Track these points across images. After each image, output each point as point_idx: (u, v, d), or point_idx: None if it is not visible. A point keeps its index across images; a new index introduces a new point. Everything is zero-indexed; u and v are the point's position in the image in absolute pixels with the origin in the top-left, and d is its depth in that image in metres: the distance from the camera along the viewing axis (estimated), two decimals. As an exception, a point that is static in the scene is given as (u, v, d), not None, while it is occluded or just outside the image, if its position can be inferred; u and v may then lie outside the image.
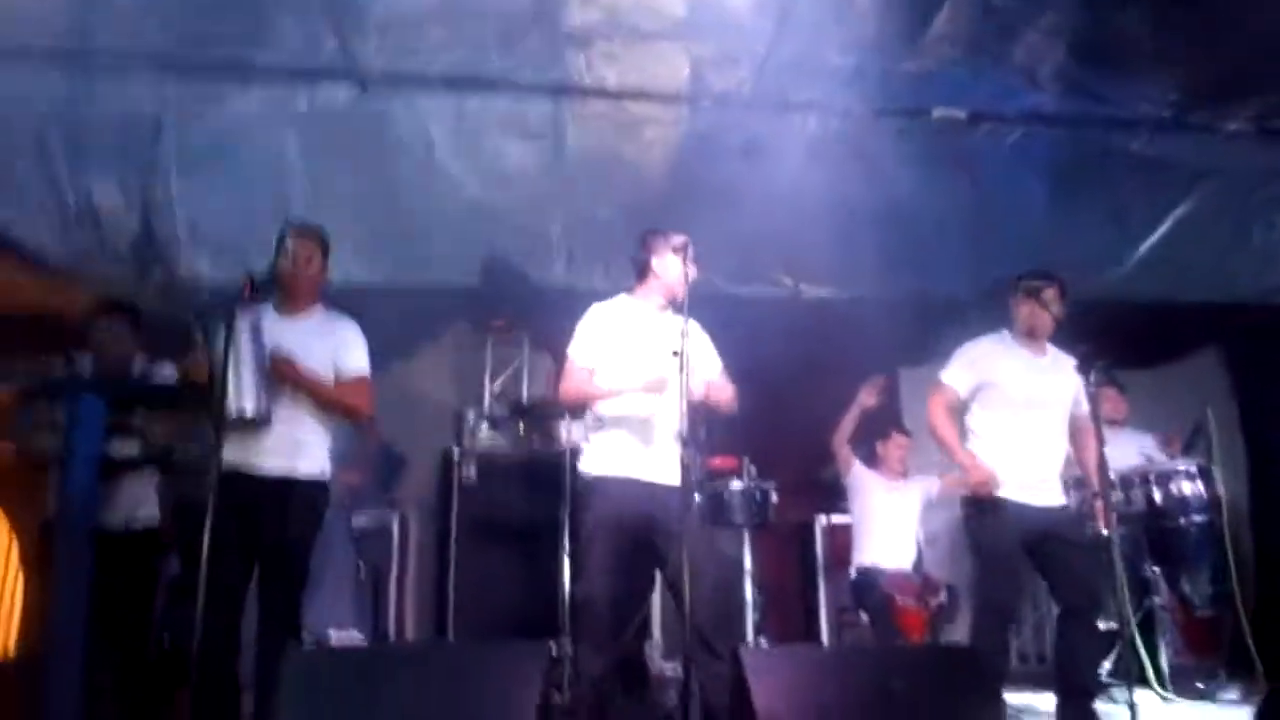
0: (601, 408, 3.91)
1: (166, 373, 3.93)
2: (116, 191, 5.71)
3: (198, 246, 6.07)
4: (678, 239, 3.98)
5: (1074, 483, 4.64)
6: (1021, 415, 4.23)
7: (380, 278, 6.19)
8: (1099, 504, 4.19)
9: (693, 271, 3.89)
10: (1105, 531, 4.01)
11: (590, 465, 3.89)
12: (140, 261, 5.83)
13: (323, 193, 6.03)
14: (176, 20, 5.26)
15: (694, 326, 3.96)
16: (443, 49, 5.64)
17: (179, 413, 3.45)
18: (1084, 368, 4.00)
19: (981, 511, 4.18)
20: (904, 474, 5.91)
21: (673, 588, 3.73)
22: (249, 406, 3.15)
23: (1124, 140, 6.17)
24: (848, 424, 5.81)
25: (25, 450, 3.47)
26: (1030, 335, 4.36)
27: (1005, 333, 4.44)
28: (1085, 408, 4.19)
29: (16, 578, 4.77)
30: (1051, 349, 4.41)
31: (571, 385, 3.93)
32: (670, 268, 3.93)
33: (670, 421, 3.78)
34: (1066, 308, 4.34)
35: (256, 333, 3.31)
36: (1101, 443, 3.92)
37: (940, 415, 4.32)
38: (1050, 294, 4.32)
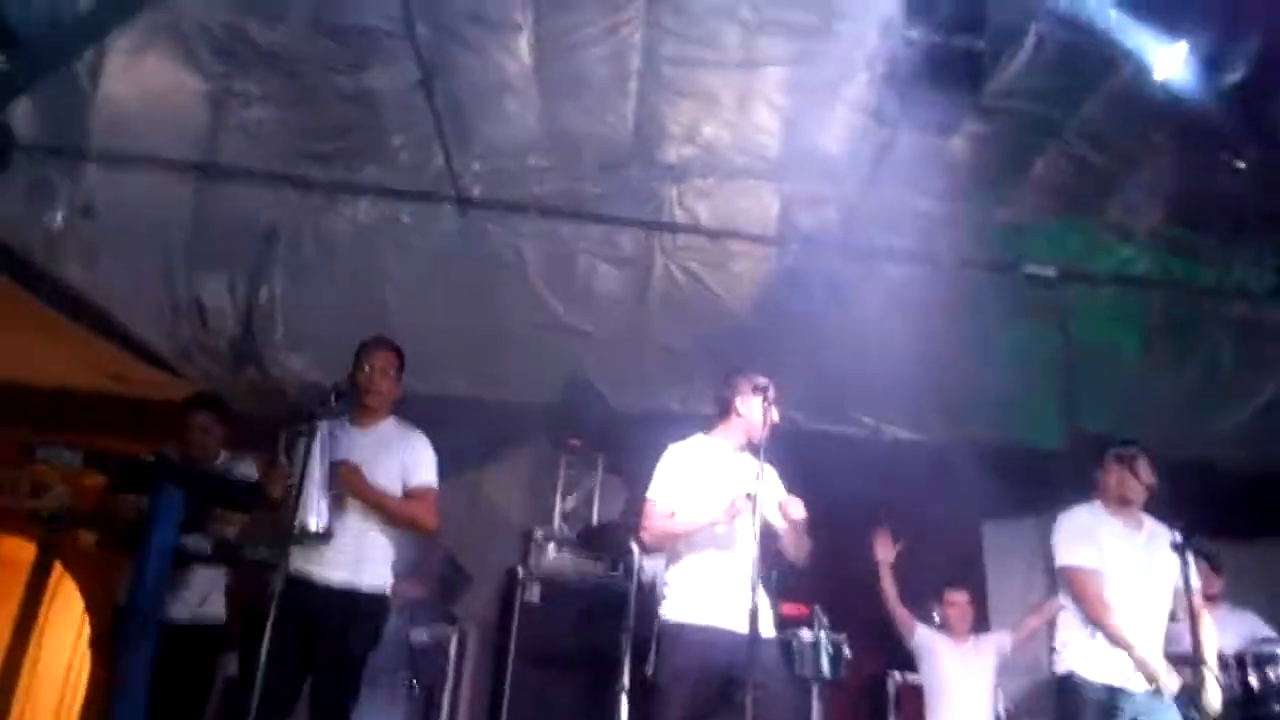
0: (684, 550, 3.81)
1: (247, 470, 4.03)
2: (224, 292, 6.01)
3: (294, 350, 6.30)
4: (761, 380, 3.94)
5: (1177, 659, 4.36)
6: (1122, 592, 4.01)
7: (463, 390, 6.31)
8: (1205, 674, 3.93)
9: (774, 414, 3.86)
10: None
11: (671, 611, 3.77)
12: (238, 360, 6.06)
13: (418, 305, 6.24)
14: (297, 137, 5.62)
15: (769, 471, 3.92)
16: (543, 176, 5.89)
17: (254, 514, 3.50)
18: (1181, 541, 3.78)
19: (1068, 692, 3.94)
20: (970, 632, 5.61)
21: None
22: (313, 522, 3.18)
23: (1223, 302, 6.04)
24: (886, 585, 5.59)
25: (106, 538, 3.56)
26: (1122, 504, 4.15)
27: (1097, 503, 4.22)
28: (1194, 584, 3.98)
29: (85, 657, 4.85)
30: (1149, 521, 4.17)
31: (654, 526, 3.84)
32: (752, 409, 3.87)
33: (750, 566, 3.68)
34: (1156, 478, 4.14)
35: (329, 446, 3.37)
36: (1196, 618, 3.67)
37: (1101, 603, 3.98)
38: (1142, 463, 4.15)
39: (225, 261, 5.97)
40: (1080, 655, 3.99)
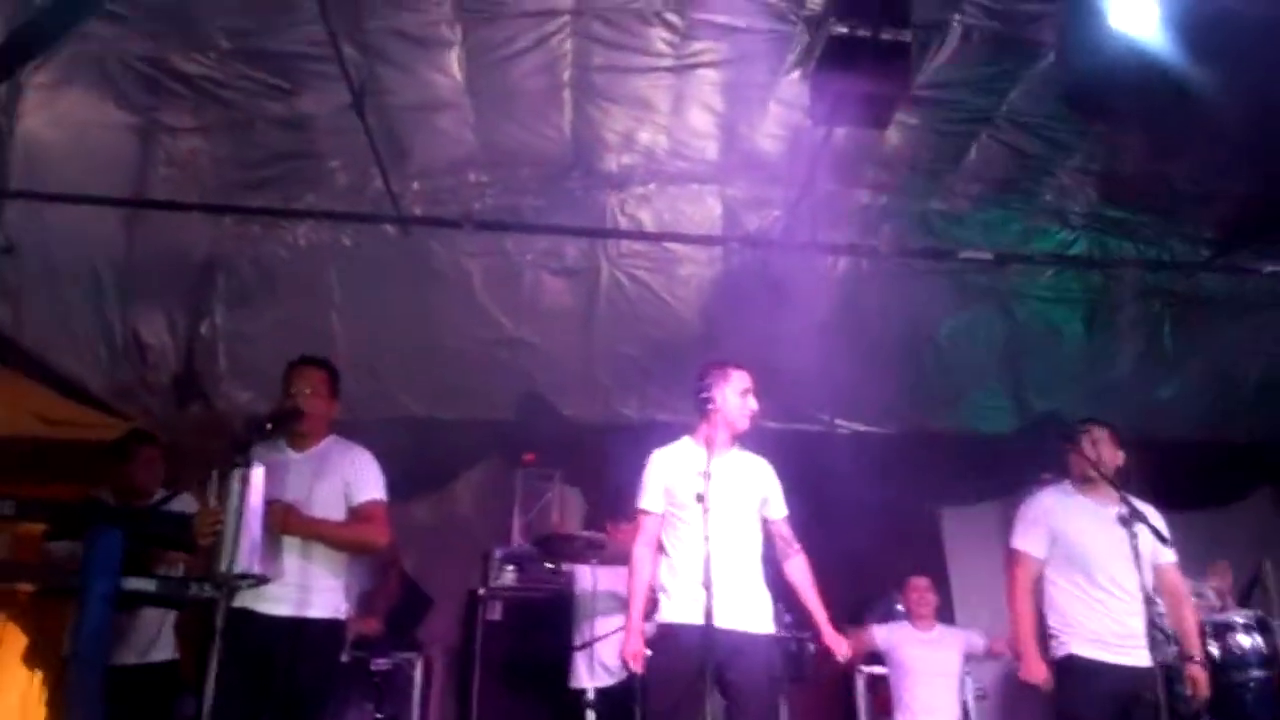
0: (676, 553, 3.77)
1: (185, 505, 3.93)
2: (163, 328, 5.90)
3: (239, 380, 6.21)
4: (735, 371, 3.91)
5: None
6: (1098, 569, 3.95)
7: (414, 411, 6.26)
8: (1193, 668, 3.96)
9: (753, 404, 3.85)
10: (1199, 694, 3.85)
11: (667, 613, 3.67)
12: (181, 395, 5.95)
13: (364, 328, 6.17)
14: (231, 167, 5.53)
15: (762, 465, 3.90)
16: (482, 191, 5.86)
17: (198, 551, 3.41)
18: (1127, 514, 3.80)
19: (1066, 674, 3.95)
20: (934, 619, 5.62)
21: None
22: (247, 566, 3.08)
23: (1160, 278, 6.15)
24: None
25: (46, 586, 3.46)
26: (1086, 482, 4.15)
27: (1066, 484, 4.24)
28: (1168, 559, 3.98)
29: (36, 713, 4.71)
30: (1122, 496, 4.16)
31: (640, 549, 3.76)
32: (728, 399, 3.83)
33: (745, 563, 3.68)
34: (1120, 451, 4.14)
35: (268, 478, 3.28)
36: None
37: (1020, 592, 4.05)
38: (1100, 438, 4.09)
39: (163, 296, 5.86)
40: (1076, 638, 3.99)
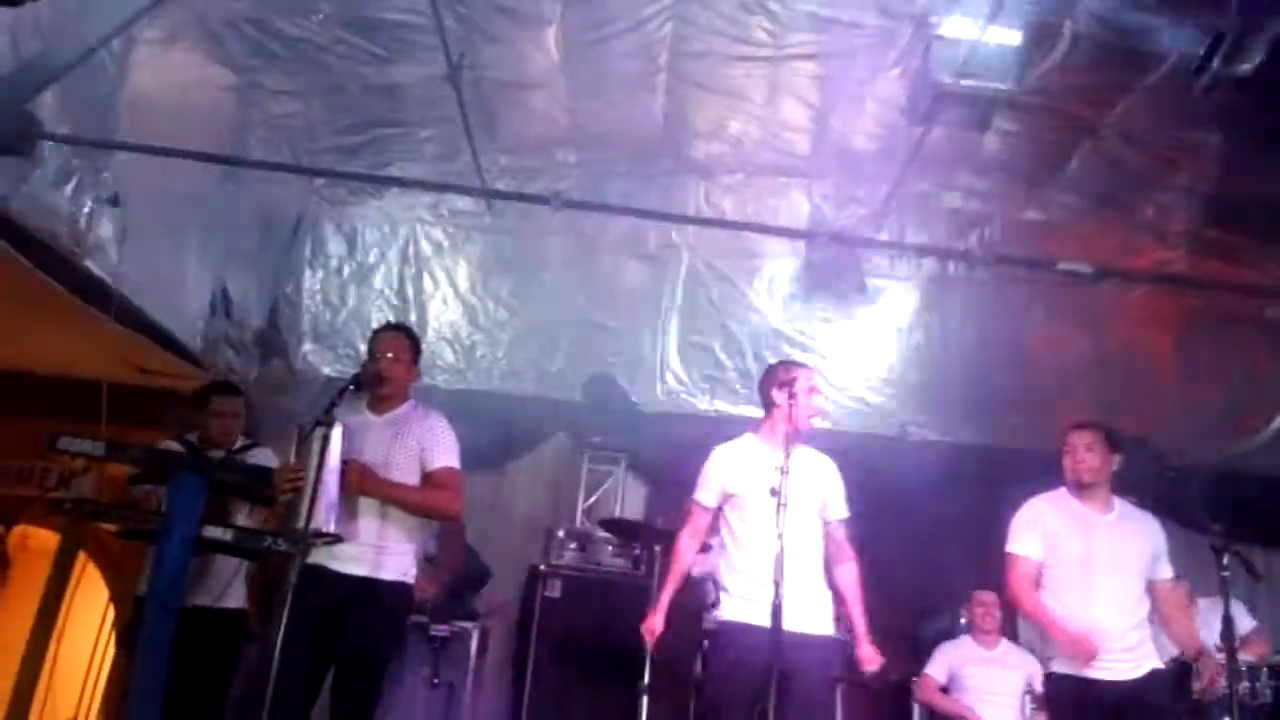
0: (737, 550, 3.73)
1: (264, 459, 4.01)
2: (251, 285, 6.04)
3: (319, 342, 6.34)
4: (803, 370, 3.88)
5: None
6: (1088, 577, 3.77)
7: (486, 384, 6.31)
8: (1203, 662, 3.81)
9: (819, 404, 3.82)
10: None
11: (727, 611, 3.65)
12: (263, 352, 6.09)
13: (442, 299, 6.25)
14: (324, 131, 5.63)
15: (827, 464, 3.85)
16: (569, 170, 5.87)
17: (273, 505, 3.48)
18: (1221, 545, 3.66)
19: (1061, 689, 3.84)
20: (999, 634, 5.50)
21: None
22: (325, 524, 3.14)
23: (1259, 304, 5.91)
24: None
25: (127, 528, 3.56)
26: (1079, 487, 4.01)
27: (1061, 490, 4.01)
28: (1167, 575, 3.85)
29: (108, 647, 4.87)
30: (1121, 505, 4.02)
31: (682, 540, 3.81)
32: (796, 398, 3.78)
33: (809, 563, 3.65)
34: (1108, 453, 3.97)
35: (346, 441, 3.33)
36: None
37: (1025, 590, 3.91)
38: (1080, 440, 3.92)
39: (252, 254, 6.00)
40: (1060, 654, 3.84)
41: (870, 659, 3.71)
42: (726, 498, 3.73)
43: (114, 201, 4.46)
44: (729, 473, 3.75)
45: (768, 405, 3.82)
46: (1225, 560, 3.54)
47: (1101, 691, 3.70)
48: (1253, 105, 4.41)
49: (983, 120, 4.52)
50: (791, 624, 3.40)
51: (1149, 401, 5.66)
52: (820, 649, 3.60)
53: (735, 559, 3.69)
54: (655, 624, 3.74)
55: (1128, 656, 3.73)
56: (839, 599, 3.79)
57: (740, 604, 3.59)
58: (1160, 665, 3.82)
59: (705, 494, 3.79)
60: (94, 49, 3.89)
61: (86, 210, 4.42)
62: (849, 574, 3.82)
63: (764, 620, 3.39)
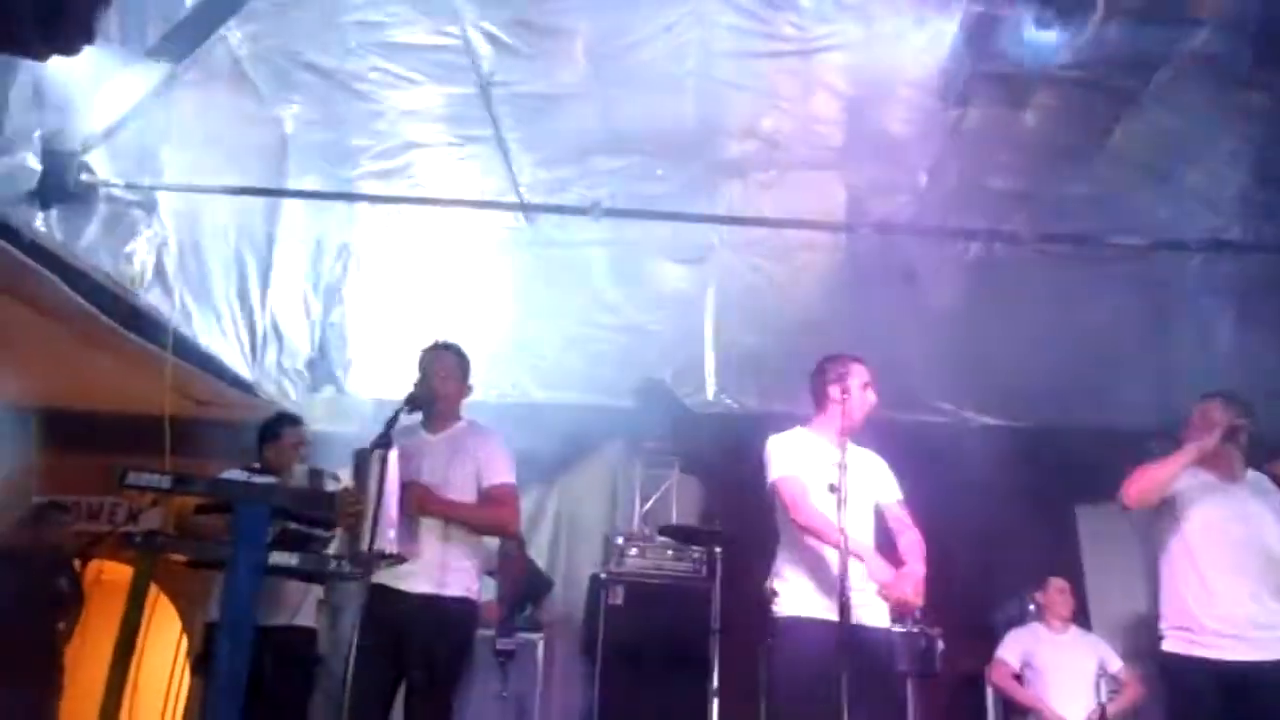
0: (793, 546, 3.65)
1: (330, 485, 4.08)
2: (300, 312, 6.14)
3: (369, 367, 6.42)
4: (855, 364, 3.85)
5: None
6: (1223, 550, 3.65)
7: (536, 395, 6.35)
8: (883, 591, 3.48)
9: (872, 398, 3.77)
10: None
11: (786, 606, 3.66)
12: (314, 378, 6.19)
13: (488, 313, 6.29)
14: (362, 156, 5.73)
15: (873, 456, 3.77)
16: (604, 178, 5.88)
17: (340, 528, 3.53)
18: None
19: (1173, 670, 3.73)
20: (1069, 620, 5.42)
21: None
22: (389, 546, 3.18)
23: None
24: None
25: (197, 559, 3.63)
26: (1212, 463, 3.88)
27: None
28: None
29: (184, 674, 4.97)
30: (1254, 475, 3.88)
31: (802, 506, 3.52)
32: (850, 392, 3.73)
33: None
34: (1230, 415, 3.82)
35: (404, 462, 3.37)
36: None
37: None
38: (1209, 410, 3.80)
39: (298, 282, 6.11)
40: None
41: (898, 589, 3.41)
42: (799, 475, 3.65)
43: (164, 242, 4.60)
44: (794, 454, 3.70)
45: (822, 400, 3.77)
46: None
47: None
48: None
49: (1019, 98, 4.46)
50: (856, 618, 3.34)
51: (1211, 374, 5.50)
52: (883, 642, 3.56)
53: (796, 553, 3.65)
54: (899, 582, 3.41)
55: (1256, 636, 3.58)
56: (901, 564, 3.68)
57: (803, 599, 3.56)
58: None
59: (789, 465, 3.62)
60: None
61: (138, 252, 4.55)
62: (911, 541, 3.63)
63: (827, 614, 3.37)
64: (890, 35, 4.69)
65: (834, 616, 3.33)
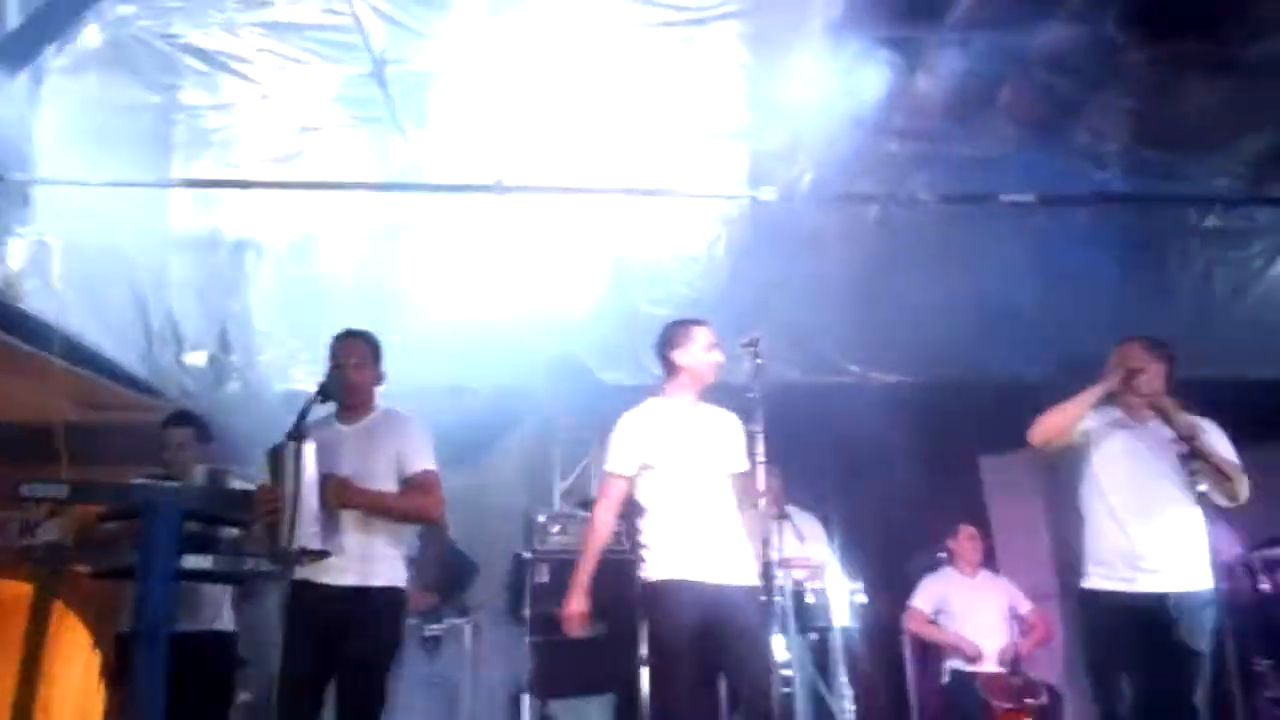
0: (654, 509, 3.80)
1: (237, 484, 3.97)
2: (198, 308, 5.91)
3: (276, 359, 6.24)
4: (697, 328, 3.93)
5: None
6: (1130, 487, 3.88)
7: (451, 378, 6.27)
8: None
9: (718, 358, 3.89)
10: None
11: (652, 571, 3.75)
12: (218, 374, 5.98)
13: (396, 298, 6.17)
14: (259, 141, 5.53)
15: (728, 418, 3.93)
16: (508, 156, 5.80)
17: (251, 527, 3.43)
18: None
19: (1091, 605, 3.92)
20: (979, 564, 5.66)
21: (734, 694, 3.63)
22: (309, 542, 3.11)
23: (1197, 215, 6.04)
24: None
25: (103, 568, 3.50)
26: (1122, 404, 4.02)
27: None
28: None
29: (96, 691, 4.80)
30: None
31: (600, 511, 3.86)
32: (695, 359, 3.87)
33: (732, 517, 3.77)
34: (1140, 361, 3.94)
35: (320, 454, 3.30)
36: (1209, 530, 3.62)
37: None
38: (1127, 350, 4.02)
39: (196, 276, 5.88)
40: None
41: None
42: (643, 465, 3.80)
43: (42, 241, 4.37)
44: (641, 440, 3.82)
45: (669, 366, 3.89)
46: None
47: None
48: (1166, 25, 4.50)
49: (909, 62, 4.55)
50: (718, 578, 3.62)
51: (1099, 322, 5.76)
52: (747, 599, 3.69)
53: (656, 519, 3.79)
54: (579, 607, 3.75)
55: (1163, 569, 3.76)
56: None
57: (664, 563, 3.70)
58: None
59: (621, 463, 3.84)
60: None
61: (15, 252, 4.31)
62: (753, 518, 3.84)
63: (692, 575, 3.60)
64: (782, 3, 4.73)
65: (698, 578, 3.60)
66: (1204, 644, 3.68)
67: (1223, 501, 3.75)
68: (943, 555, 5.85)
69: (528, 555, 5.52)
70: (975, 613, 5.51)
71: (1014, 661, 5.34)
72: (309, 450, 3.20)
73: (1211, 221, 6.01)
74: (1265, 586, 4.96)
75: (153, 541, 3.13)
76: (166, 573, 3.14)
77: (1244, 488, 3.77)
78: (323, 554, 3.21)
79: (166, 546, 3.14)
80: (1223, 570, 4.78)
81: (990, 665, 5.34)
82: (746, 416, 3.84)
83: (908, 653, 5.83)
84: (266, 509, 3.19)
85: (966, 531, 5.69)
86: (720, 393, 4.10)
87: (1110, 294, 5.99)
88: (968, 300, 5.85)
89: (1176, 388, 4.03)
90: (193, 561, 3.31)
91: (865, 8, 4.40)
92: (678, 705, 3.57)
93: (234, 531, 3.61)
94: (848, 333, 6.34)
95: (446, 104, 5.36)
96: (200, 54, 4.92)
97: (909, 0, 4.35)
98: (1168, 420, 3.71)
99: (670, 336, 3.95)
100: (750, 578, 3.73)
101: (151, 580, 3.13)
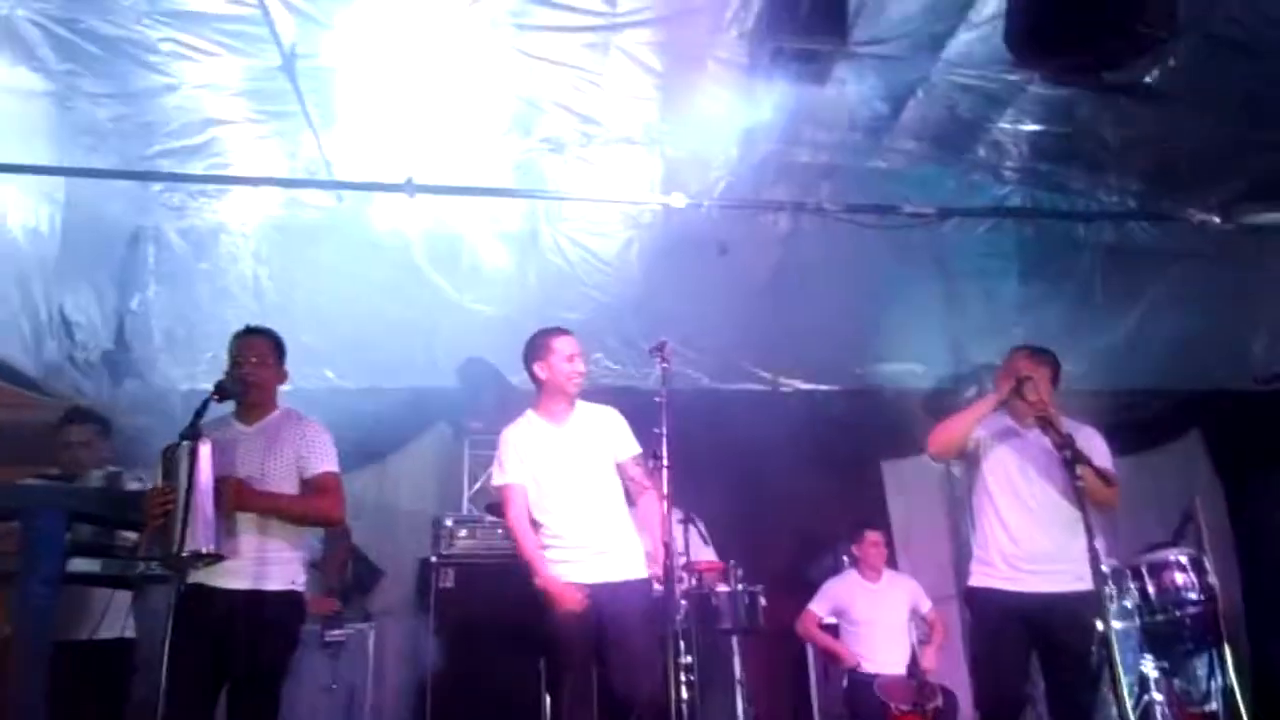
0: (542, 514, 3.93)
1: (133, 485, 3.84)
2: (92, 304, 5.72)
3: (174, 355, 6.07)
4: (560, 339, 4.03)
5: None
6: (1015, 492, 4.01)
7: (358, 380, 6.18)
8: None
9: (580, 368, 3.99)
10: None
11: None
12: (113, 372, 5.78)
13: (301, 296, 6.05)
14: (156, 133, 5.36)
15: (606, 411, 4.04)
16: (419, 154, 5.73)
17: (145, 529, 3.32)
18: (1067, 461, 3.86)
19: (978, 602, 4.06)
20: (882, 569, 5.76)
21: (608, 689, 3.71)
22: (202, 545, 3.02)
23: (1088, 231, 6.31)
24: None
25: (-16, 571, 3.35)
26: (1011, 411, 4.12)
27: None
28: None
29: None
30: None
31: (514, 510, 3.93)
32: (556, 371, 3.95)
33: (619, 514, 3.91)
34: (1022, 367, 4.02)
35: (217, 454, 3.21)
36: (1092, 535, 3.76)
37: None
38: (1015, 360, 4.12)
39: (90, 271, 5.68)
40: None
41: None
42: (531, 477, 3.93)
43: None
44: (522, 452, 3.95)
45: (533, 380, 3.95)
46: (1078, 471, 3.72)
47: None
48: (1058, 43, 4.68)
49: (819, 74, 4.65)
50: (607, 575, 3.76)
51: (998, 331, 5.97)
52: (637, 594, 3.83)
53: (545, 526, 3.91)
54: (553, 582, 3.77)
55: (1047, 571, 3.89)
56: (644, 532, 3.98)
57: (558, 567, 3.81)
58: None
59: (514, 475, 3.95)
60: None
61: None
62: (649, 504, 4.00)
63: (581, 577, 3.75)
64: (694, 12, 4.78)
65: (584, 579, 3.75)
66: (1086, 644, 3.83)
67: (1096, 508, 3.89)
68: (846, 559, 5.94)
69: (434, 559, 5.45)
70: (878, 621, 5.57)
71: (912, 664, 5.46)
72: (204, 450, 3.12)
73: (1103, 236, 6.26)
74: (1151, 590, 5.15)
75: (33, 544, 3.01)
76: (48, 578, 3.02)
77: (1114, 496, 3.92)
78: (216, 558, 3.12)
79: (49, 550, 3.02)
80: (1111, 574, 5.03)
81: (892, 668, 5.43)
82: (653, 421, 3.89)
83: (810, 655, 5.91)
84: (157, 511, 3.09)
85: (871, 537, 5.75)
86: (629, 397, 4.14)
87: (1006, 304, 6.21)
88: (871, 309, 6.02)
89: (1065, 398, 4.20)
90: (80, 565, 3.20)
91: (777, 20, 4.47)
92: (570, 702, 3.66)
93: (131, 536, 3.50)
94: (759, 340, 6.44)
95: (357, 100, 5.28)
96: (99, 40, 4.75)
97: (819, 15, 4.41)
98: (1047, 429, 3.85)
99: (529, 350, 4.04)
100: (638, 570, 3.86)
101: (31, 585, 3.01)
